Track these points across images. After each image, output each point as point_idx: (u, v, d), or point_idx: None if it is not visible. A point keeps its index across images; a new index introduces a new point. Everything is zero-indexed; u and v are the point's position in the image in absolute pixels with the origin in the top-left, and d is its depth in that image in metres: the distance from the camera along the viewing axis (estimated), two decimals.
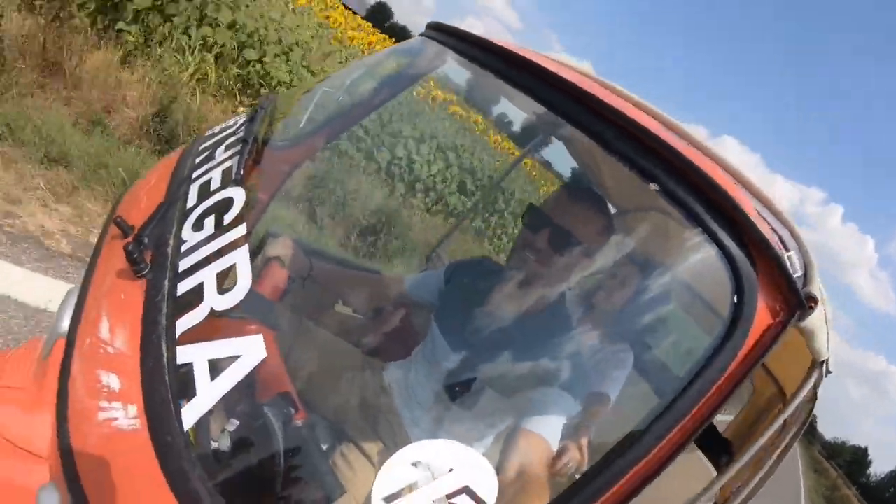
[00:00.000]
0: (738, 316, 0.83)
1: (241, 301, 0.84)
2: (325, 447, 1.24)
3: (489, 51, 1.23)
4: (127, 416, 0.73)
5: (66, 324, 0.96)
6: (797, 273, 0.89)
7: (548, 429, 1.11)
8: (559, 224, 1.21)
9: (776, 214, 1.01)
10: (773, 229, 0.95)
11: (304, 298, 1.62)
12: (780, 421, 1.21)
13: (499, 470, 0.88)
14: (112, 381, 0.77)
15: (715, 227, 0.88)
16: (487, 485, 0.70)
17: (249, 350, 0.75)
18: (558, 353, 1.29)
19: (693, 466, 1.99)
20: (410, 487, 0.67)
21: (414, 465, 0.68)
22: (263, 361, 0.78)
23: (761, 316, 0.84)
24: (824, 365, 1.13)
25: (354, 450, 1.25)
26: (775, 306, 0.87)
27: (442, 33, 1.44)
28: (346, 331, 1.66)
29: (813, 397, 1.38)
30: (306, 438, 0.95)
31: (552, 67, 1.09)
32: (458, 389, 1.28)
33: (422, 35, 1.56)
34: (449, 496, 0.68)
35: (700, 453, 2.03)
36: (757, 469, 1.52)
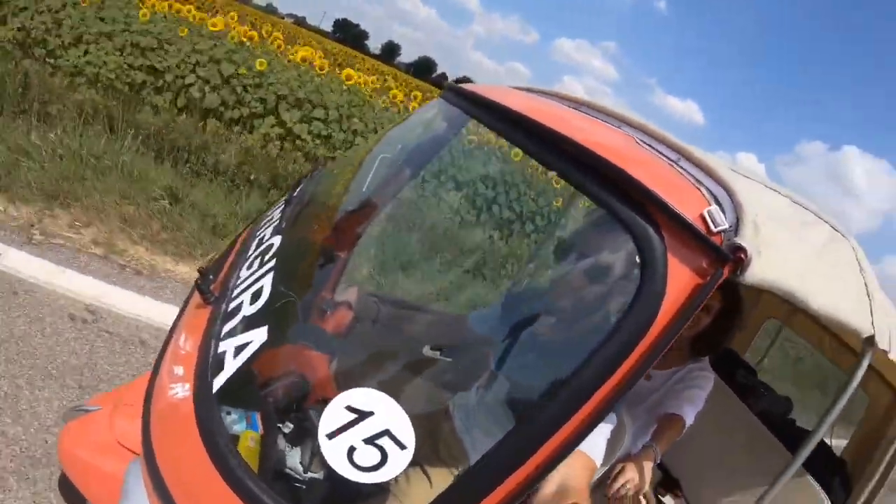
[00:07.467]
0: (648, 277, 0.85)
1: (262, 307, 1.16)
2: None
3: (487, 108, 1.33)
4: (183, 390, 1.08)
5: None
6: (721, 226, 0.86)
7: (587, 443, 1.12)
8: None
9: (708, 172, 0.97)
10: (697, 188, 0.94)
11: (371, 336, 1.86)
12: None
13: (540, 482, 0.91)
14: (179, 370, 1.14)
15: (606, 195, 0.93)
16: (405, 430, 0.86)
17: (256, 338, 1.07)
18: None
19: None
20: (345, 427, 0.85)
21: (347, 408, 0.86)
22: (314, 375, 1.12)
23: (677, 275, 0.85)
24: (872, 342, 1.04)
25: (417, 469, 1.37)
26: (696, 264, 0.86)
27: (458, 96, 1.55)
28: (416, 366, 1.81)
29: None
30: None
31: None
32: (512, 412, 1.36)
33: (441, 97, 1.69)
34: (374, 437, 0.85)
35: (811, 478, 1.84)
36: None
